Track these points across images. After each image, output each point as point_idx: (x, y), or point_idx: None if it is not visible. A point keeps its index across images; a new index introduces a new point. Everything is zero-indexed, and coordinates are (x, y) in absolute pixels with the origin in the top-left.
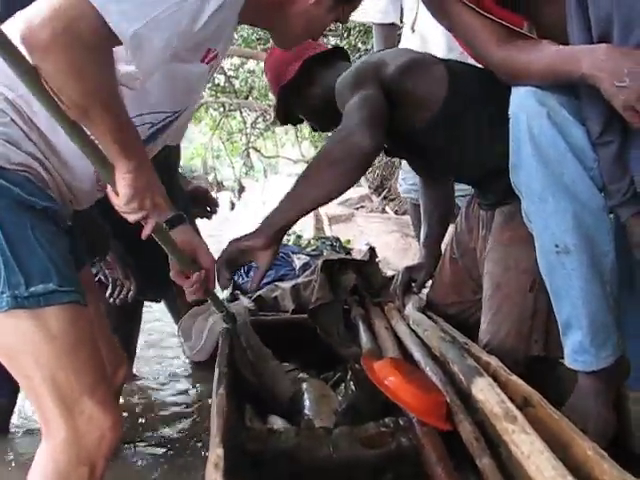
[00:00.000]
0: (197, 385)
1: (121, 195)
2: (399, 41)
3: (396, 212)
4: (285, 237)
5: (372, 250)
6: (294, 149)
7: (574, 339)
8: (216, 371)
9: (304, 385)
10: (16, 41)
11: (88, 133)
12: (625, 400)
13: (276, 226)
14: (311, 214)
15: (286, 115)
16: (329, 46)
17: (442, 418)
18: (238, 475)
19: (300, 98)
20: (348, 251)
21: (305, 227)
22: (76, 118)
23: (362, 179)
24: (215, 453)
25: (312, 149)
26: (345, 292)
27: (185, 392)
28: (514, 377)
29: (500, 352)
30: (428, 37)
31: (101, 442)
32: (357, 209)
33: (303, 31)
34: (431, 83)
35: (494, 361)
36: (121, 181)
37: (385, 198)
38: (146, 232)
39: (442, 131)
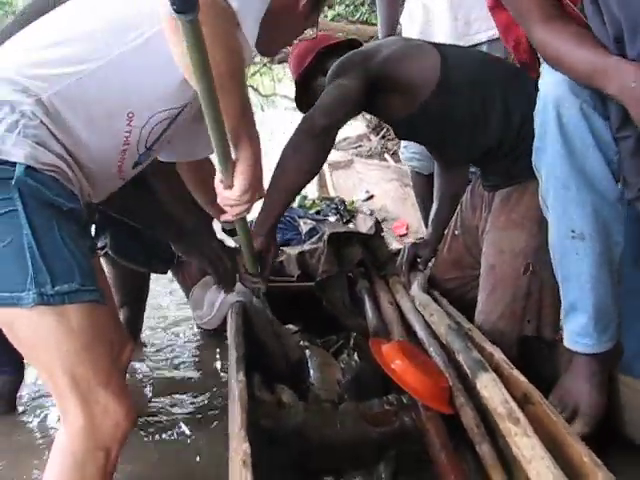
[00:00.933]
0: (204, 352)
1: (238, 186)
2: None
3: (394, 155)
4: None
5: (377, 223)
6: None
7: (578, 322)
8: (232, 352)
9: (307, 352)
10: None
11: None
12: (615, 382)
13: (267, 225)
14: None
15: (302, 103)
16: (343, 38)
17: (445, 402)
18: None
19: (314, 86)
20: (353, 214)
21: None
22: (218, 79)
23: (360, 119)
24: (242, 449)
25: None
26: (351, 265)
27: (193, 360)
28: (515, 372)
29: (494, 333)
30: (431, 6)
31: (116, 429)
32: (356, 148)
33: (285, 36)
34: (423, 69)
35: (497, 353)
36: (244, 172)
37: (383, 137)
38: (228, 218)
39: (436, 115)
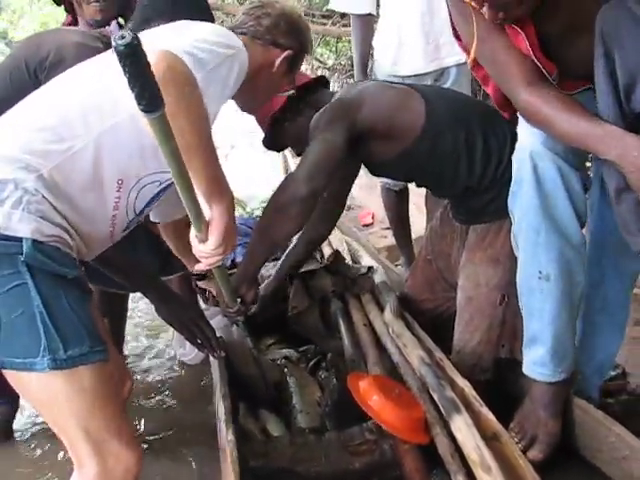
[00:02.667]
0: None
1: (213, 240)
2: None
3: None
4: (260, 204)
5: (337, 253)
6: None
7: (537, 353)
8: (220, 406)
9: (286, 372)
10: None
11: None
12: (570, 404)
13: (249, 274)
14: (280, 162)
15: (272, 142)
16: (312, 76)
17: (421, 433)
18: None
19: (288, 125)
20: None
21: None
22: (185, 150)
23: None
24: None
25: None
26: (322, 294)
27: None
28: (485, 409)
29: (472, 358)
30: (404, 28)
31: (127, 474)
32: None
33: (264, 95)
34: (409, 116)
35: (467, 388)
36: (215, 227)
37: None
38: (203, 268)
39: (421, 157)
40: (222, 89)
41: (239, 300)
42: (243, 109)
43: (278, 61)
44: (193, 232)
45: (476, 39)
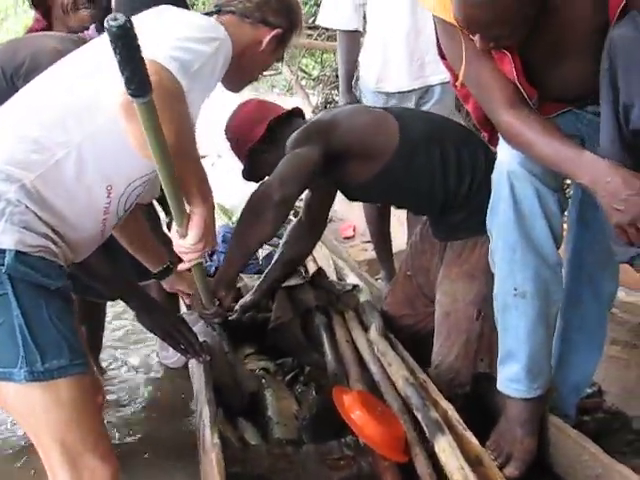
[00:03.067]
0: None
1: (192, 235)
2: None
3: None
4: None
5: (320, 269)
6: None
7: (512, 369)
8: (204, 411)
9: (263, 384)
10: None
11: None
12: (546, 422)
13: (227, 277)
14: None
15: (251, 174)
16: (286, 108)
17: (401, 451)
18: None
19: (266, 156)
20: None
21: None
22: (179, 158)
23: (307, 103)
24: None
25: None
26: (305, 307)
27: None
28: (468, 433)
29: (450, 372)
30: (390, 46)
31: None
32: None
33: (251, 75)
34: (383, 136)
35: (451, 411)
36: (195, 223)
37: None
38: (185, 267)
39: (397, 176)
40: (207, 84)
41: (217, 302)
42: (229, 88)
43: (266, 40)
44: (174, 227)
45: (464, 61)
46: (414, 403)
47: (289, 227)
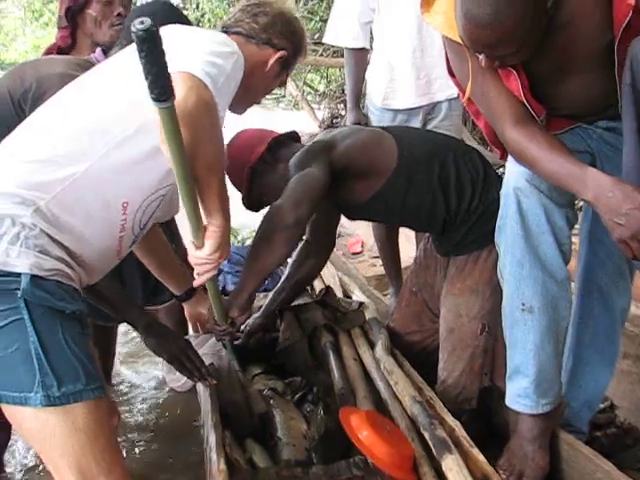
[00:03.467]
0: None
1: (208, 246)
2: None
3: None
4: (251, 234)
5: (327, 288)
6: None
7: (520, 384)
8: (211, 437)
9: (272, 404)
10: None
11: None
12: (557, 439)
13: (241, 298)
14: None
15: (251, 201)
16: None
17: (409, 471)
18: None
19: (267, 177)
20: None
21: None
22: (203, 178)
23: (313, 118)
24: None
25: None
26: (312, 326)
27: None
28: (475, 450)
29: (456, 388)
30: (395, 64)
31: None
32: None
33: (256, 96)
34: (383, 155)
35: (458, 428)
36: (212, 234)
37: None
38: (201, 280)
39: (398, 195)
40: (227, 99)
41: (230, 321)
42: (232, 109)
43: (271, 61)
44: (190, 240)
45: (471, 78)
46: (421, 422)
47: (297, 248)
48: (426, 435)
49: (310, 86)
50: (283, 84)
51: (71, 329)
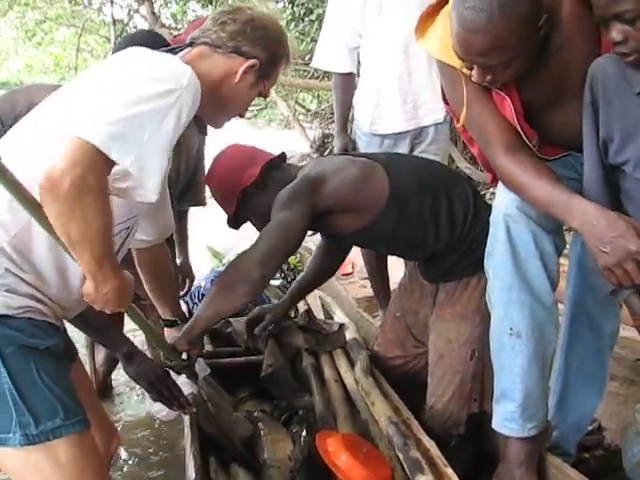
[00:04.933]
0: None
1: (83, 291)
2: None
3: None
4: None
5: (307, 312)
6: None
7: (506, 408)
8: (187, 451)
9: (260, 426)
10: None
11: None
12: (545, 462)
13: (192, 334)
14: None
15: (239, 220)
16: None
17: None
18: None
19: (257, 200)
20: (297, 272)
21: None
22: (65, 247)
23: (304, 138)
24: None
25: None
26: (294, 350)
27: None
28: (449, 470)
29: (444, 413)
30: (382, 90)
31: None
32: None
33: (232, 109)
34: (373, 190)
35: (433, 449)
36: (85, 288)
37: None
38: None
39: (388, 227)
40: (173, 134)
41: (184, 355)
42: (209, 124)
43: (240, 71)
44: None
45: (465, 104)
46: (395, 442)
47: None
48: (400, 456)
49: (302, 105)
50: (264, 95)
51: (45, 365)
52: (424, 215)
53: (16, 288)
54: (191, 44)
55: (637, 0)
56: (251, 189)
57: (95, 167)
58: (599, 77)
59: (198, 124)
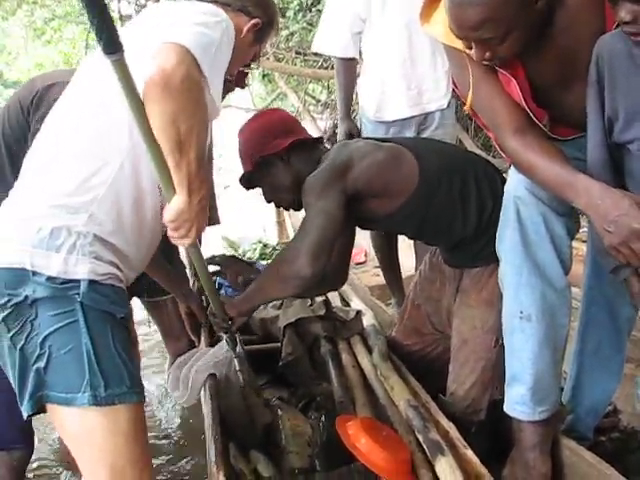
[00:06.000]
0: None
1: (166, 215)
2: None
3: None
4: (251, 246)
5: (326, 300)
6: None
7: (517, 391)
8: (208, 436)
9: (279, 413)
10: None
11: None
12: (559, 445)
13: (244, 307)
14: (272, 209)
15: (251, 182)
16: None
17: (408, 475)
18: None
19: (275, 172)
20: None
21: (267, 225)
22: (172, 152)
23: (315, 128)
24: None
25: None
26: (312, 338)
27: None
28: (469, 452)
29: (465, 400)
30: (386, 78)
31: None
32: None
33: (232, 65)
34: (402, 175)
35: (452, 430)
36: (171, 208)
37: None
38: (177, 243)
39: (418, 211)
40: (222, 67)
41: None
42: None
43: (246, 28)
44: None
45: (471, 87)
46: (415, 425)
47: None
48: (420, 438)
49: (312, 96)
50: (256, 59)
51: (120, 334)
52: (454, 200)
53: (102, 255)
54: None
55: None
56: (272, 158)
57: (195, 64)
58: (605, 55)
59: None
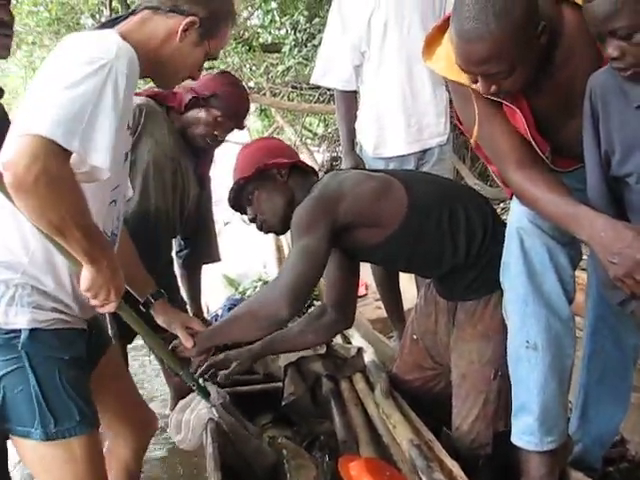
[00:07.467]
0: None
1: (81, 286)
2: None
3: None
4: (252, 284)
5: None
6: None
7: (524, 421)
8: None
9: (283, 453)
10: None
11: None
12: (567, 478)
13: (208, 344)
14: (273, 245)
15: (239, 197)
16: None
17: None
18: None
19: (266, 189)
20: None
21: (268, 261)
22: (55, 237)
23: (312, 161)
24: None
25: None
26: (314, 377)
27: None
28: None
29: (470, 434)
30: (385, 114)
31: None
32: None
33: (179, 69)
34: (391, 205)
35: (455, 469)
36: (83, 279)
37: None
38: (104, 310)
39: (406, 242)
40: (116, 102)
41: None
42: (159, 86)
43: (180, 29)
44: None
45: (477, 121)
46: (418, 465)
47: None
48: (424, 479)
49: (309, 130)
50: (212, 56)
51: (68, 373)
52: (443, 231)
53: (42, 304)
54: (133, 12)
55: (631, 16)
56: (273, 171)
57: (53, 156)
58: (598, 90)
59: (197, 177)
